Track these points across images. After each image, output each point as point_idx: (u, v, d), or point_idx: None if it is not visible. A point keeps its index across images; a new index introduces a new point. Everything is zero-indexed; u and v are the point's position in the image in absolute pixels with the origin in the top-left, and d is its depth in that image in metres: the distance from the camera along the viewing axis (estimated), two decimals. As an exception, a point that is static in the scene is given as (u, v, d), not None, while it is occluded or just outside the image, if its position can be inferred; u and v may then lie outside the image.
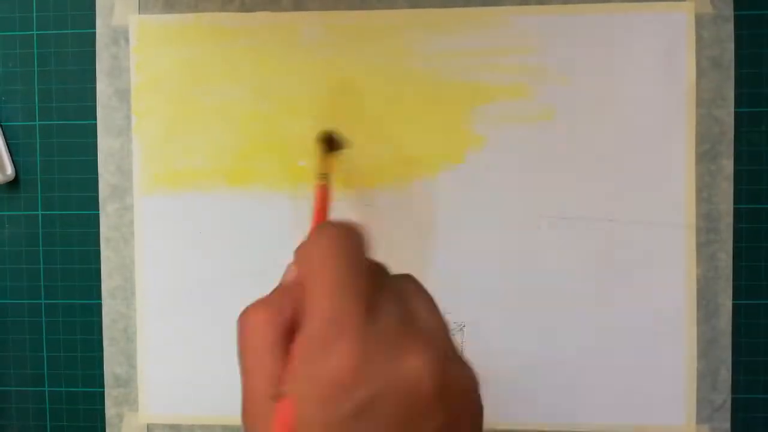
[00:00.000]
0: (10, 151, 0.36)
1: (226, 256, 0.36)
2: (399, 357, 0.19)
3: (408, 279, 0.23)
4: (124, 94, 0.36)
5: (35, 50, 0.36)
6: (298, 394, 0.19)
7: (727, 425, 0.35)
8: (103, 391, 0.36)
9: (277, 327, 0.21)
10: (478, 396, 0.21)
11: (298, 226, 0.35)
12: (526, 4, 0.34)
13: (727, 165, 0.34)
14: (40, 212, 0.37)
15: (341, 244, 0.22)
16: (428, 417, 0.19)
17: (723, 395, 0.35)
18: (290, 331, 0.21)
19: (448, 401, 0.20)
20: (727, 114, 0.34)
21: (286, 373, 0.20)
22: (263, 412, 0.20)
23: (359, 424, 0.19)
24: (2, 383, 0.37)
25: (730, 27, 0.34)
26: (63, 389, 0.37)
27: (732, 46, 0.34)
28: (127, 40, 0.36)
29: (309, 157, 0.34)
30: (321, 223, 0.24)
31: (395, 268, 0.24)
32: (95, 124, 0.36)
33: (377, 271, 0.23)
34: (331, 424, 0.19)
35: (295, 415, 0.19)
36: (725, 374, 0.35)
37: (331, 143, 0.33)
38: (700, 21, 0.34)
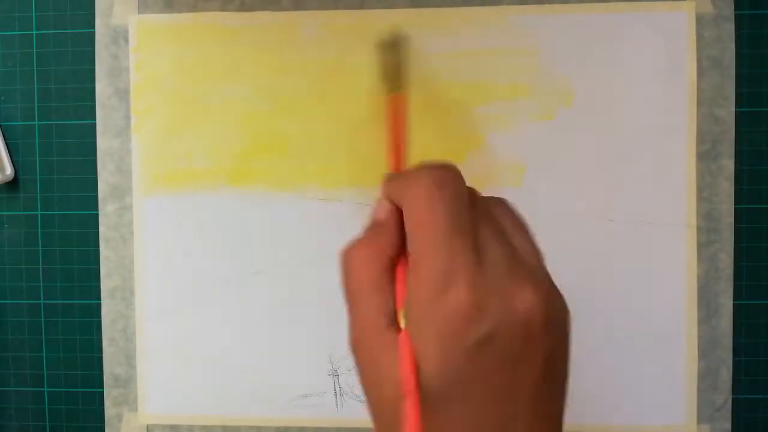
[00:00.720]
0: (9, 151, 0.36)
1: (226, 256, 0.36)
2: (512, 293, 0.21)
3: (499, 203, 0.24)
4: (123, 94, 0.36)
5: (34, 50, 0.36)
6: (414, 335, 0.21)
7: (728, 425, 0.35)
8: (103, 392, 0.36)
9: (380, 263, 0.22)
10: (569, 321, 0.23)
11: (300, 226, 0.35)
12: (526, 3, 0.34)
13: (728, 165, 0.34)
14: (39, 212, 0.37)
15: (446, 185, 0.22)
16: (539, 345, 0.21)
17: (724, 395, 0.35)
18: (392, 266, 0.22)
19: (553, 329, 0.21)
20: (727, 113, 0.34)
21: (398, 309, 0.21)
22: (378, 342, 0.21)
23: (479, 357, 0.20)
24: (1, 383, 0.37)
25: (730, 27, 0.34)
26: (62, 389, 0.37)
27: (732, 45, 0.34)
28: (126, 39, 0.36)
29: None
30: (422, 165, 0.24)
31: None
32: (94, 124, 0.36)
33: (472, 199, 0.23)
34: (451, 357, 0.20)
35: (413, 347, 0.21)
36: (726, 374, 0.35)
37: (394, 47, 0.31)
38: (700, 21, 0.34)
